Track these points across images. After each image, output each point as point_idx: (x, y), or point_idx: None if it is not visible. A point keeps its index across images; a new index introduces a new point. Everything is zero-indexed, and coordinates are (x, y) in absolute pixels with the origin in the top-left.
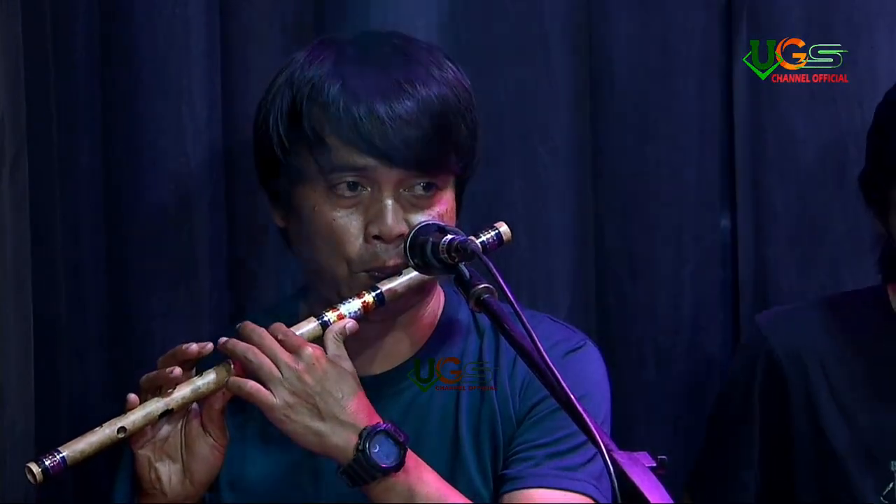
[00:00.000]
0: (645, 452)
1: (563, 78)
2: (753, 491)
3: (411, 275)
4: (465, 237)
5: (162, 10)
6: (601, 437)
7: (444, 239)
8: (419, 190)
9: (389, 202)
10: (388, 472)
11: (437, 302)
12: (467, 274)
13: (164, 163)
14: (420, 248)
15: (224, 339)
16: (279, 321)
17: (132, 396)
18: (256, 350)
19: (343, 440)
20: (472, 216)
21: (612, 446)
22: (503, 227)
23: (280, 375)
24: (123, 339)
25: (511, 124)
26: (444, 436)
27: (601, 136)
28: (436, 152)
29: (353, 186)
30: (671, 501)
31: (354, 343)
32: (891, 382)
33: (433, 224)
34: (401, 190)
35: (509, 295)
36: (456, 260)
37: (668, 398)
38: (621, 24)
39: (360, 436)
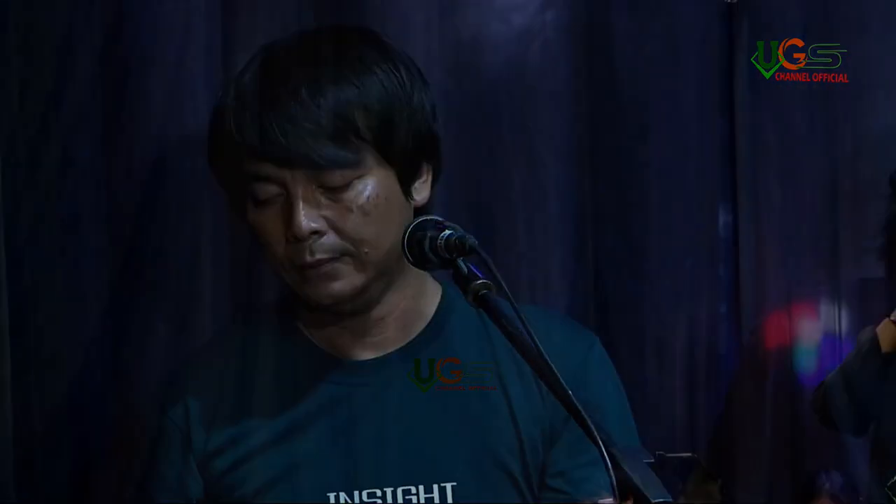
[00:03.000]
0: (643, 448)
1: (563, 75)
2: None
3: None
4: (463, 233)
5: (163, 6)
6: (599, 434)
7: (443, 234)
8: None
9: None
10: None
11: (420, 292)
12: (465, 269)
13: (165, 160)
14: (418, 243)
15: None
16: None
17: None
18: None
19: None
20: (472, 214)
21: (611, 442)
22: None
23: None
24: (122, 336)
25: (510, 121)
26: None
27: (601, 134)
28: None
29: None
30: (670, 499)
31: (346, 331)
32: None
33: (431, 219)
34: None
35: (506, 290)
36: (454, 255)
37: (668, 395)
38: (621, 22)
39: None
